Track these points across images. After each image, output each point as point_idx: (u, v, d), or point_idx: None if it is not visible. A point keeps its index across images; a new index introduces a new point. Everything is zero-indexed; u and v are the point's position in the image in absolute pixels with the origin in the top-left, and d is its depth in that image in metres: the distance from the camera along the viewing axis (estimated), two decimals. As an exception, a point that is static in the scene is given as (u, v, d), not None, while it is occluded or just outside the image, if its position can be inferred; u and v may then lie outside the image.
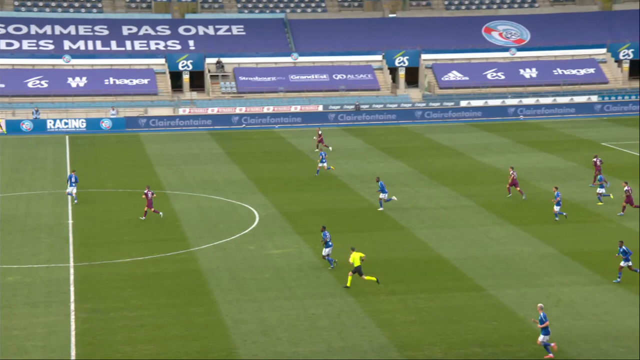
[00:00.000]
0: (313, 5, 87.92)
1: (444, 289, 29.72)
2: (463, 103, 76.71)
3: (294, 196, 44.15)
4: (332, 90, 77.98)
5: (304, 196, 44.13)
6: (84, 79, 75.11)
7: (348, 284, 29.60)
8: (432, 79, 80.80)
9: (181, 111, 72.62)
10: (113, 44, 79.79)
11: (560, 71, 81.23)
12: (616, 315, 27.13)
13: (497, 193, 44.10)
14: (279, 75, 78.58)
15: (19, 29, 79.32)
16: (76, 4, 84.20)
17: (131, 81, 75.77)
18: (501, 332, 25.82)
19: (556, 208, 38.60)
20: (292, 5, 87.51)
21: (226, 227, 37.85)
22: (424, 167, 51.94)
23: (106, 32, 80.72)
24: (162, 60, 78.03)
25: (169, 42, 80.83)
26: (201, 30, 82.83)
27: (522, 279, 30.80)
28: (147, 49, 79.79)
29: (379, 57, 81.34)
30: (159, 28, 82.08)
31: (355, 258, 29.67)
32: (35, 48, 77.87)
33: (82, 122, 68.48)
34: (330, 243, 32.01)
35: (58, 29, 80.00)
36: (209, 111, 73.00)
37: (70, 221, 38.98)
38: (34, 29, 79.55)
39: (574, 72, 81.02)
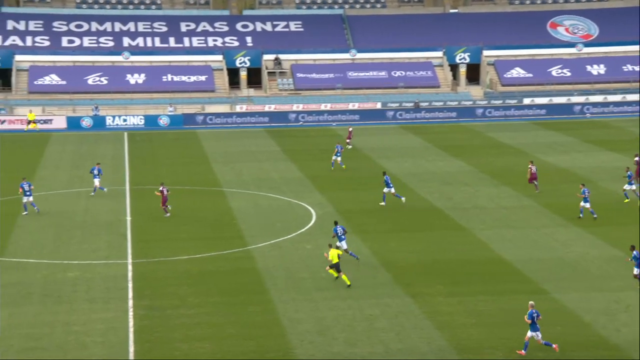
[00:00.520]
0: (372, 0, 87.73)
1: (505, 291, 29.36)
2: (526, 101, 75.61)
3: (351, 195, 44.14)
4: (391, 87, 77.70)
5: (361, 195, 44.08)
6: (143, 75, 76.42)
7: (346, 279, 29.56)
8: (494, 76, 79.81)
9: (238, 108, 73.27)
10: (171, 40, 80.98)
11: (630, 67, 79.37)
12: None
13: (561, 193, 43.35)
14: (337, 72, 78.63)
15: (80, 26, 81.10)
16: (136, 1, 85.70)
17: (189, 78, 76.78)
18: (566, 337, 25.36)
19: (586, 205, 38.28)
20: (350, 0, 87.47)
21: (283, 226, 38.07)
22: (484, 166, 51.38)
23: (165, 29, 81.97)
24: (219, 57, 78.86)
25: (227, 39, 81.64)
26: (259, 26, 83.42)
27: (587, 282, 30.24)
28: (204, 45, 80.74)
29: (439, 54, 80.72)
30: (216, 24, 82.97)
31: (333, 255, 29.93)
32: (96, 45, 79.52)
33: (141, 118, 69.68)
34: (342, 237, 32.11)
35: (118, 26, 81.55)
36: (266, 108, 73.47)
37: (129, 218, 39.72)
38: (94, 26, 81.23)
39: (645, 68, 79.18)
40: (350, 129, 59.68)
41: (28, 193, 40.06)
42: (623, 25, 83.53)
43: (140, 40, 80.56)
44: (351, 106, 74.13)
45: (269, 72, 78.23)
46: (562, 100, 75.69)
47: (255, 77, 78.88)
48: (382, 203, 41.17)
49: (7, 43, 77.89)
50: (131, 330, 26.01)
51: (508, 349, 24.69)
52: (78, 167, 52.56)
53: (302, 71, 78.70)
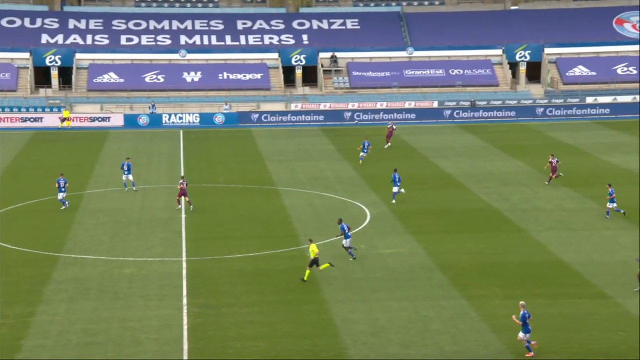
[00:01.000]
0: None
1: (565, 295, 28.89)
2: (589, 100, 74.23)
3: (407, 195, 43.95)
4: (448, 85, 77.12)
5: (417, 195, 43.86)
6: (199, 73, 77.33)
7: (305, 278, 30.17)
8: (556, 74, 78.55)
9: (293, 106, 73.58)
10: (227, 38, 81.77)
11: (697, 65, 77.37)
12: None
13: (625, 195, 42.41)
14: (393, 70, 78.37)
15: (139, 25, 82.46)
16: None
17: (244, 76, 77.41)
18: (629, 343, 24.83)
19: (611, 205, 38.00)
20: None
21: (337, 225, 38.04)
22: (544, 167, 50.61)
23: (221, 27, 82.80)
24: (275, 55, 79.32)
25: (283, 37, 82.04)
26: (315, 24, 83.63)
27: (650, 287, 29.52)
28: (260, 43, 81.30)
29: (498, 52, 79.79)
30: (273, 22, 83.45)
31: (313, 249, 30.24)
32: (153, 43, 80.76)
33: (196, 116, 70.52)
34: (348, 234, 32.65)
35: (175, 24, 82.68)
36: (321, 106, 73.62)
37: (184, 215, 40.25)
38: (152, 24, 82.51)
39: None
40: (393, 127, 58.91)
41: (63, 189, 41.06)
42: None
43: (197, 38, 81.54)
44: (407, 105, 73.81)
45: (324, 70, 78.37)
46: (627, 99, 74.07)
47: (310, 75, 79.12)
48: (393, 201, 41.78)
49: (68, 42, 79.67)
50: (185, 327, 26.34)
51: (568, 354, 24.30)
52: (134, 164, 53.38)
53: (358, 69, 78.63)
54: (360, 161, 51.86)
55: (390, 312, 27.54)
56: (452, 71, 78.38)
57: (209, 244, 35.41)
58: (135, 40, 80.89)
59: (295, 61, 78.87)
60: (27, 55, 77.03)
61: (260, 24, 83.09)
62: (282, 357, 24.36)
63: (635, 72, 77.58)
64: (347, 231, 32.87)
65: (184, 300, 28.61)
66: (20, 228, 38.07)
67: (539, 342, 25.11)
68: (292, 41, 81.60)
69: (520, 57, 79.53)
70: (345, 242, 32.95)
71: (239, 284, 30.30)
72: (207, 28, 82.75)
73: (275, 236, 36.60)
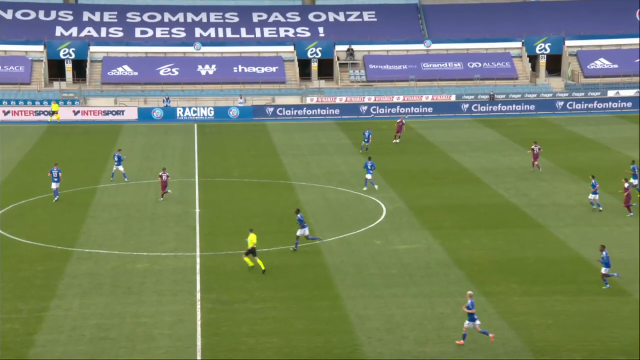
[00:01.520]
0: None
1: (585, 291, 28.73)
2: (611, 93, 73.70)
3: (423, 190, 43.84)
4: (466, 79, 76.81)
5: (433, 190, 43.74)
6: (214, 66, 77.44)
7: (251, 264, 30.74)
8: (577, 67, 78.05)
9: (309, 100, 73.55)
10: (243, 31, 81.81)
11: None
12: None
13: (646, 191, 42.10)
14: (411, 63, 78.14)
15: (153, 17, 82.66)
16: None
17: (259, 69, 77.44)
18: (648, 342, 24.69)
19: (592, 196, 38.44)
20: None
21: (352, 220, 38.08)
22: (564, 162, 50.34)
23: (236, 19, 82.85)
24: (290, 48, 79.27)
25: (299, 29, 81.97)
26: (331, 16, 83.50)
27: (672, 285, 29.32)
28: (276, 36, 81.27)
29: (517, 44, 79.36)
30: (288, 15, 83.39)
31: (252, 239, 30.61)
32: (168, 36, 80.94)
33: (211, 110, 70.65)
34: (305, 224, 33.23)
35: (190, 17, 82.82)
36: (337, 100, 73.55)
37: (197, 210, 40.35)
38: (167, 16, 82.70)
39: None
40: (402, 121, 58.54)
41: (56, 179, 41.37)
42: None
43: (211, 31, 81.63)
44: (424, 98, 73.58)
45: (340, 64, 78.25)
46: (649, 92, 73.50)
47: (326, 69, 79.05)
48: (364, 188, 43.02)
49: (82, 34, 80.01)
50: (199, 323, 26.42)
51: (588, 352, 24.16)
52: (148, 158, 53.63)
53: (375, 62, 78.45)
54: (361, 150, 53.21)
55: (405, 308, 27.50)
56: (471, 64, 78.04)
57: (222, 239, 35.49)
58: (150, 32, 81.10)
59: (311, 54, 78.79)
60: (41, 48, 77.45)
61: (276, 17, 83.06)
62: (295, 354, 24.38)
63: (658, 65, 77.07)
64: (303, 221, 33.35)
65: (198, 296, 28.70)
66: (34, 222, 38.32)
67: (558, 340, 24.99)
68: (307, 34, 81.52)
69: (540, 50, 79.06)
70: (304, 232, 33.32)
71: (252, 280, 30.35)
72: (222, 20, 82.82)
73: (290, 231, 36.57)
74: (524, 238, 35.16)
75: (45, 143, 59.91)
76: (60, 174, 41.82)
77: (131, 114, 70.35)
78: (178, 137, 61.92)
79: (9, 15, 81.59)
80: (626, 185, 38.55)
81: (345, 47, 78.85)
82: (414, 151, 55.07)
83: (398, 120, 59.01)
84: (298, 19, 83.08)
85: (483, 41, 79.65)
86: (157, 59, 78.15)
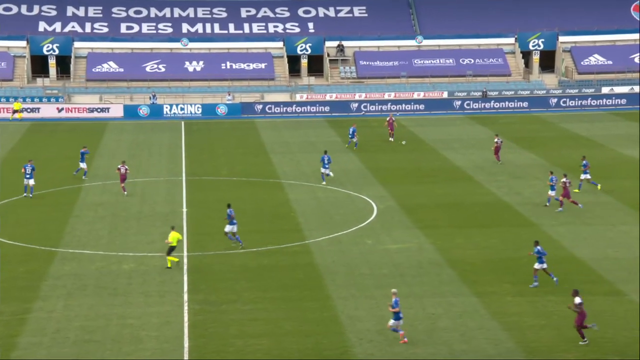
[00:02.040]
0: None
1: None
2: (605, 90, 73.96)
3: (415, 188, 43.89)
4: (459, 75, 76.95)
5: (425, 188, 43.80)
6: (201, 63, 77.28)
7: (169, 265, 31.20)
8: (570, 64, 78.28)
9: (298, 97, 73.51)
10: (231, 26, 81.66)
11: None
12: None
13: (641, 189, 42.33)
14: (402, 59, 78.21)
15: (139, 12, 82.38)
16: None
17: (248, 65, 77.33)
18: (642, 342, 24.80)
19: (551, 193, 38.74)
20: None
21: (342, 219, 38.08)
22: (557, 159, 50.49)
23: (224, 15, 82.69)
24: (279, 44, 79.20)
25: (288, 25, 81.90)
26: (321, 11, 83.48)
27: (667, 284, 29.46)
28: (265, 31, 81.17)
29: (511, 40, 79.54)
30: (277, 10, 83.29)
31: (173, 238, 31.02)
32: (154, 31, 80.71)
33: (198, 107, 70.51)
34: (234, 221, 33.47)
35: (177, 12, 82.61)
36: (327, 97, 73.54)
37: (185, 209, 40.27)
38: (153, 11, 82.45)
39: None
40: (392, 119, 58.01)
41: (28, 175, 41.36)
42: None
43: (199, 27, 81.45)
44: (416, 95, 73.68)
45: (330, 60, 78.24)
46: (644, 89, 73.77)
47: (316, 65, 79.01)
48: (323, 182, 43.84)
49: (66, 30, 79.68)
50: (186, 325, 26.37)
51: (581, 353, 24.25)
52: (134, 156, 53.47)
53: (366, 58, 78.49)
54: (347, 145, 54.34)
55: (397, 309, 27.49)
56: (463, 60, 78.18)
57: (210, 239, 35.42)
58: (136, 28, 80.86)
59: (301, 50, 78.75)
60: (23, 43, 77.09)
61: (265, 12, 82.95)
62: (285, 356, 24.36)
63: (652, 61, 77.37)
64: (233, 217, 33.49)
65: (185, 297, 28.64)
66: (17, 222, 38.14)
67: (551, 341, 25.06)
68: (297, 29, 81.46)
69: (533, 46, 79.26)
70: (232, 228, 33.55)
71: (241, 280, 30.31)
72: (209, 16, 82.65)
73: (279, 231, 36.60)
74: (517, 237, 35.25)
75: (28, 141, 59.65)
76: (34, 171, 41.68)
77: (117, 111, 70.12)
78: (165, 135, 61.78)
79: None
80: (564, 179, 38.89)
81: (335, 43, 78.84)
82: (405, 149, 55.13)
83: (387, 118, 58.83)
84: (287, 14, 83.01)
85: (475, 37, 79.80)
86: (143, 55, 77.93)
